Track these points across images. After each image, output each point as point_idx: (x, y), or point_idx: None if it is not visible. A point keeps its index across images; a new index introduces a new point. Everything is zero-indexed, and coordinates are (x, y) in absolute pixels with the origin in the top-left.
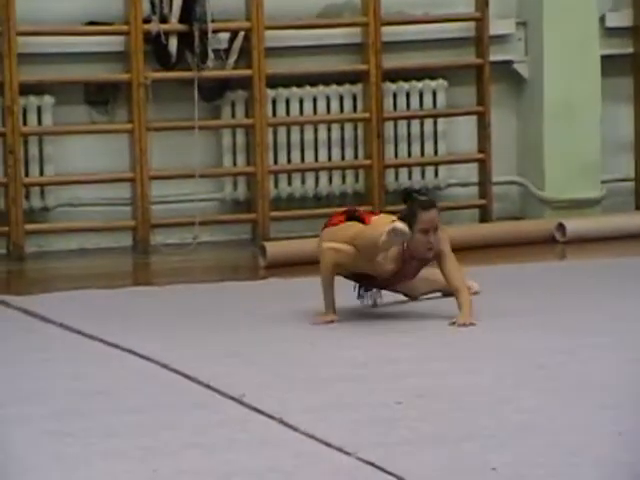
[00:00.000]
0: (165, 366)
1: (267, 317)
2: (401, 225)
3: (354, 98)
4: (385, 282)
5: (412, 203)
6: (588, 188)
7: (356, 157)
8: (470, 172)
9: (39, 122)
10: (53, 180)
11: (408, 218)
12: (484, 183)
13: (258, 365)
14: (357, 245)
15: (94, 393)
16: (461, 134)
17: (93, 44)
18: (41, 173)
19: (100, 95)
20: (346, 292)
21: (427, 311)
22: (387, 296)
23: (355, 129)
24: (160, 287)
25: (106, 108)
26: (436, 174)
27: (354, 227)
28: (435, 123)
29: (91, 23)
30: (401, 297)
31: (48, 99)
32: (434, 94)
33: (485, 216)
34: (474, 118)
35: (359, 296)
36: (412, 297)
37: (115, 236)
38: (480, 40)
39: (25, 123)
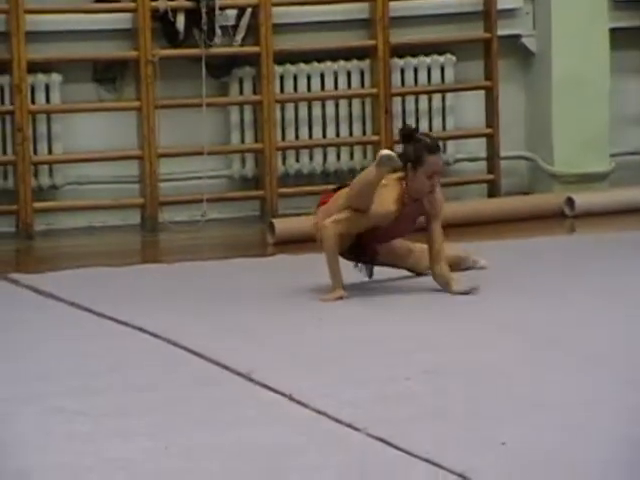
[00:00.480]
0: (175, 343)
1: (276, 294)
2: (388, 152)
3: (362, 74)
4: (386, 234)
5: (418, 145)
6: (597, 162)
7: (364, 133)
8: (478, 147)
9: (47, 100)
10: (61, 158)
11: (413, 160)
12: (492, 158)
13: (267, 342)
14: (352, 201)
15: (104, 371)
16: (469, 109)
17: (101, 22)
18: (49, 151)
19: (108, 73)
20: (352, 270)
21: (434, 286)
22: (393, 272)
23: (363, 105)
24: (168, 265)
25: (114, 86)
26: (444, 149)
27: (343, 192)
28: (443, 98)
29: (98, 0)
30: (407, 273)
31: (56, 77)
32: (442, 69)
33: (493, 191)
34: (482, 93)
35: (355, 266)
36: (417, 272)
37: (123, 214)
38: (488, 14)
39: (33, 101)
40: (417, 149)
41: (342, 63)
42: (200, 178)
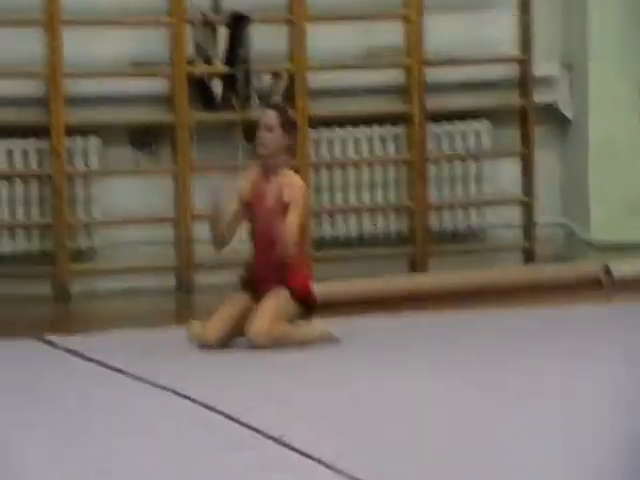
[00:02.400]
0: (207, 406)
1: (309, 356)
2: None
3: (397, 139)
4: (259, 217)
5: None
6: (634, 230)
7: (399, 198)
8: (514, 214)
9: (85, 164)
10: (98, 221)
11: None
12: (528, 225)
13: (296, 405)
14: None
15: (135, 432)
16: (505, 175)
17: (138, 86)
18: (87, 214)
19: (145, 137)
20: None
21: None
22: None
23: (398, 170)
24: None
25: (151, 149)
26: (480, 216)
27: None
28: (479, 165)
29: (136, 65)
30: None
31: (94, 141)
32: (477, 135)
33: (529, 258)
34: (518, 159)
35: None
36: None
37: (159, 276)
38: (524, 82)
39: (72, 165)
40: None
41: (377, 128)
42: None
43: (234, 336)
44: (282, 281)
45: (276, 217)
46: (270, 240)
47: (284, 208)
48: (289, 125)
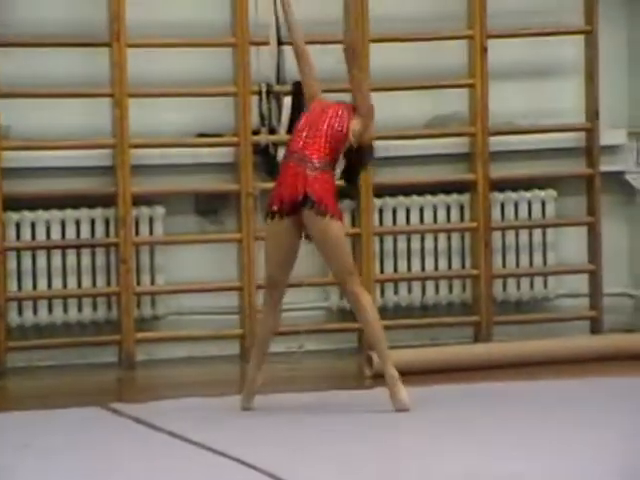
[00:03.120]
0: (272, 475)
1: (371, 427)
2: None
3: (461, 207)
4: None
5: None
6: None
7: (463, 267)
8: (580, 283)
9: (150, 232)
10: (163, 289)
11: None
12: (595, 294)
13: (360, 475)
14: None
15: None
16: (571, 244)
17: (203, 155)
18: (152, 282)
19: (210, 205)
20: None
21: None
22: None
23: (462, 238)
24: (264, 395)
25: (215, 218)
26: (545, 285)
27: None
28: (544, 233)
29: (201, 135)
30: None
31: (159, 209)
32: (543, 204)
33: (596, 328)
34: (584, 228)
35: None
36: None
37: (223, 344)
38: (590, 150)
39: (137, 233)
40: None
41: (441, 197)
42: (298, 310)
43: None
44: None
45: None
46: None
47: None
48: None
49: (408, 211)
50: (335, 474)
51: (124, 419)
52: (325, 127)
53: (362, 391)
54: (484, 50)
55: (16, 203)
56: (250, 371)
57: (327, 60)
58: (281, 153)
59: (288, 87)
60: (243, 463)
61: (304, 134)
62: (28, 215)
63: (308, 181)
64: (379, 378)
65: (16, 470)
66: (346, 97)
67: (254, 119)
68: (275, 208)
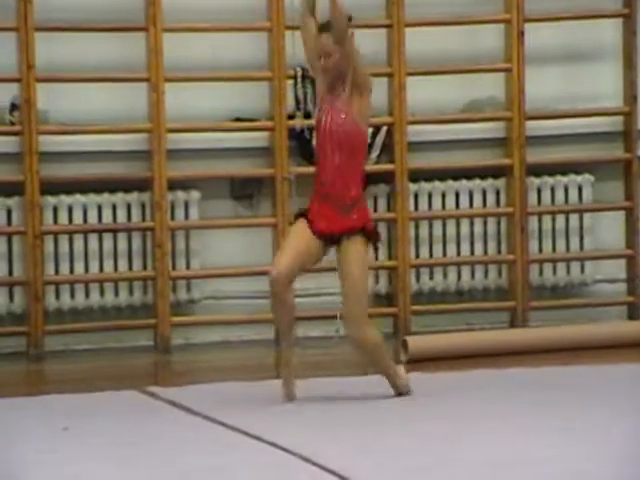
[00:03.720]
0: (306, 459)
1: (407, 413)
2: None
3: (497, 192)
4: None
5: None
6: None
7: (499, 252)
8: (618, 268)
9: (186, 217)
10: (199, 274)
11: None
12: (632, 279)
13: (395, 460)
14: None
15: None
16: (608, 229)
17: (239, 140)
18: (187, 266)
19: (245, 190)
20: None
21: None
22: None
23: (498, 223)
24: (302, 380)
25: (250, 202)
26: (582, 270)
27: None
28: (581, 218)
29: (237, 120)
30: None
31: (195, 194)
32: (580, 189)
33: (633, 313)
34: (621, 213)
35: None
36: None
37: (258, 328)
38: (628, 134)
39: (172, 218)
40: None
41: (477, 181)
42: (333, 294)
43: (302, 270)
44: (348, 211)
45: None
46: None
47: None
48: (341, 35)
49: (444, 196)
50: (372, 461)
51: (160, 402)
52: (347, 143)
53: None
54: (521, 34)
55: (53, 187)
56: (283, 353)
57: None
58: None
59: None
60: (278, 447)
61: (335, 162)
62: (65, 199)
63: (350, 220)
64: (415, 363)
65: (55, 453)
66: None
67: (289, 103)
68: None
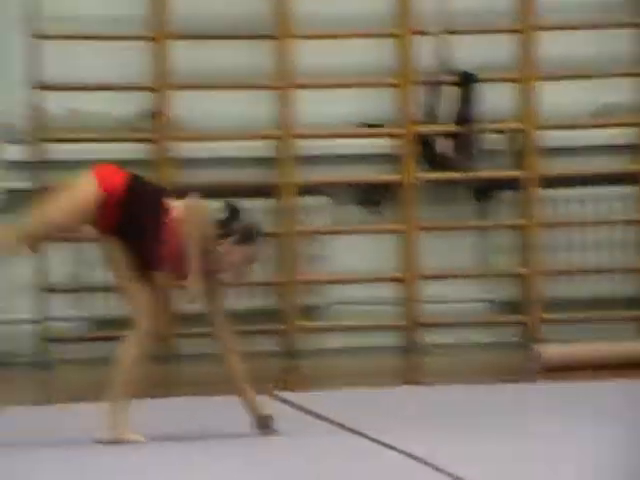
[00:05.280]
0: (438, 469)
1: (539, 423)
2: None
3: (627, 199)
4: None
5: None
6: None
7: (629, 260)
8: None
9: (313, 222)
10: (327, 279)
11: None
12: None
13: (521, 471)
14: None
15: None
16: None
17: (366, 145)
18: (315, 272)
19: (372, 196)
20: None
21: None
22: None
23: (628, 232)
24: (429, 387)
25: (378, 208)
26: None
27: None
28: None
29: (363, 125)
30: None
31: (324, 199)
32: None
33: None
34: None
35: None
36: None
37: (384, 335)
38: None
39: (302, 223)
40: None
41: (608, 188)
42: (461, 302)
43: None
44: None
45: None
46: None
47: None
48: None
49: (574, 203)
50: (505, 471)
51: (289, 408)
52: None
53: (529, 385)
54: None
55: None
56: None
57: None
58: (441, 144)
59: (453, 77)
60: (408, 455)
61: None
62: None
63: None
64: (546, 372)
65: (189, 455)
66: None
67: (416, 109)
68: None
